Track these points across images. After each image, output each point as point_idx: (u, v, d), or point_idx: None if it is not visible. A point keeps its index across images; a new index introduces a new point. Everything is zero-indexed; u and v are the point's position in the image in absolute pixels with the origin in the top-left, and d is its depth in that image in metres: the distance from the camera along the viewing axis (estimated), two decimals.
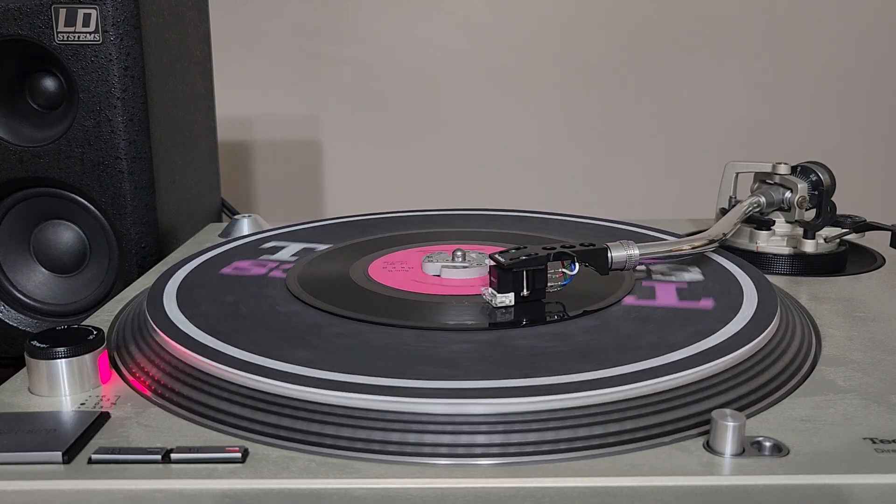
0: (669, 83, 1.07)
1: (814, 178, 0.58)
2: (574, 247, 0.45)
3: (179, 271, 0.51)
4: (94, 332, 0.37)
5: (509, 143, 1.09)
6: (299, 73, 1.07)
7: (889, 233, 0.59)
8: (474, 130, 1.08)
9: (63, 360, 0.36)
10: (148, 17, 0.63)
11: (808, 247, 0.57)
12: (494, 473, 0.29)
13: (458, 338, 0.39)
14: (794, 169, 0.59)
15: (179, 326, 0.40)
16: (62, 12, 0.59)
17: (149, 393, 0.37)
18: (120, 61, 0.60)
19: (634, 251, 0.46)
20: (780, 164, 0.59)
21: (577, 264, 0.44)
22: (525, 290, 0.43)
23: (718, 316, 0.41)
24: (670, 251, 0.48)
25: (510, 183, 1.10)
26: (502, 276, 0.43)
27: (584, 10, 1.05)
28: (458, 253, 0.50)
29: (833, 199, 0.58)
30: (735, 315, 0.41)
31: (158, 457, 0.30)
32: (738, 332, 0.39)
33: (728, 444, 0.30)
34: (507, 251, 0.44)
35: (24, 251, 0.66)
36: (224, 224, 0.71)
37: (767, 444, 0.31)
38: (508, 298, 0.43)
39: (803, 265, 0.56)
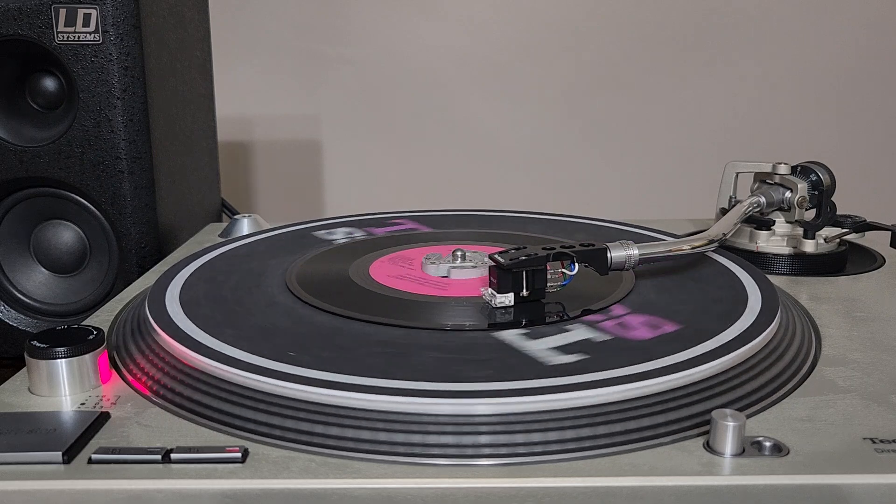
0: (669, 83, 1.07)
1: (814, 178, 0.58)
2: (573, 247, 0.45)
3: (182, 272, 0.51)
4: (94, 332, 0.37)
5: (509, 143, 1.09)
6: (299, 73, 1.07)
7: (889, 233, 0.59)
8: (474, 130, 1.08)
9: (63, 360, 0.36)
10: (148, 17, 0.63)
11: (808, 247, 0.57)
12: (495, 473, 0.29)
13: (458, 338, 0.39)
14: (794, 169, 0.59)
15: (180, 326, 0.40)
16: (62, 12, 0.59)
17: (149, 393, 0.37)
18: (120, 61, 0.60)
19: (634, 251, 0.46)
20: (780, 164, 0.59)
21: (576, 264, 0.44)
22: (525, 291, 0.43)
23: (718, 316, 0.41)
24: (670, 251, 0.48)
25: (510, 183, 1.10)
26: (502, 277, 0.43)
27: (584, 10, 1.05)
28: (458, 253, 0.50)
29: (833, 199, 0.58)
30: (735, 315, 0.41)
31: (158, 457, 0.30)
32: (738, 332, 0.39)
33: (728, 444, 0.30)
34: (506, 251, 0.44)
35: (24, 251, 0.66)
36: (224, 224, 0.71)
37: (767, 444, 0.31)
38: (508, 299, 0.43)
39: (803, 265, 0.56)
